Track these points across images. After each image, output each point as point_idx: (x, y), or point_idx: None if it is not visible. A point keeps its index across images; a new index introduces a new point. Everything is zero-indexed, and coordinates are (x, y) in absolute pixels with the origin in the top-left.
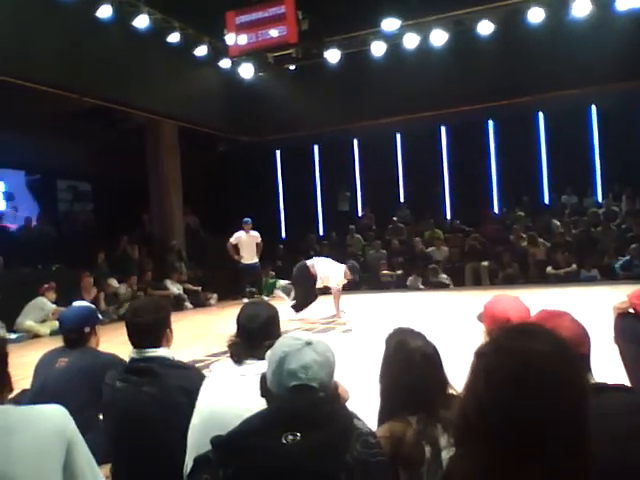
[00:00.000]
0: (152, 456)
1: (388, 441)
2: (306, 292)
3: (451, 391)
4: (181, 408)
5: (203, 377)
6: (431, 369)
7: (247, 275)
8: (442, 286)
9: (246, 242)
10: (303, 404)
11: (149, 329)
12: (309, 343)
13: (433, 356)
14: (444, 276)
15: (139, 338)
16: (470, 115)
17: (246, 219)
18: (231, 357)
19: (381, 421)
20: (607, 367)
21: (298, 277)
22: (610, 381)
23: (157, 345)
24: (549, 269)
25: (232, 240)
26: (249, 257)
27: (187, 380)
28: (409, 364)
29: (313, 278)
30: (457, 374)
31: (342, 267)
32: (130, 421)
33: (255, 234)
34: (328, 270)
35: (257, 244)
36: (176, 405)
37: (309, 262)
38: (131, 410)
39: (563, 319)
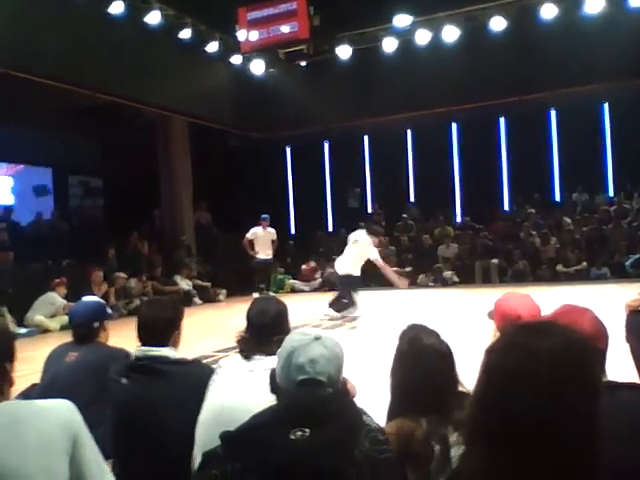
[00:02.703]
0: (155, 453)
1: (396, 438)
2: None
3: (461, 389)
4: (185, 406)
5: (208, 372)
6: (444, 367)
7: (260, 271)
8: (452, 283)
9: (262, 238)
10: (312, 400)
11: (157, 327)
12: (318, 338)
13: (446, 354)
14: (450, 273)
15: (146, 334)
16: (481, 112)
17: (264, 215)
18: (240, 352)
19: (390, 418)
20: (618, 366)
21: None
22: (621, 380)
23: (163, 344)
24: (559, 267)
25: (249, 235)
26: (264, 253)
27: (191, 377)
28: (421, 360)
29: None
30: (467, 372)
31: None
32: (135, 419)
33: (271, 231)
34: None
35: (272, 241)
36: (180, 403)
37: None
38: (137, 408)
39: (584, 314)
